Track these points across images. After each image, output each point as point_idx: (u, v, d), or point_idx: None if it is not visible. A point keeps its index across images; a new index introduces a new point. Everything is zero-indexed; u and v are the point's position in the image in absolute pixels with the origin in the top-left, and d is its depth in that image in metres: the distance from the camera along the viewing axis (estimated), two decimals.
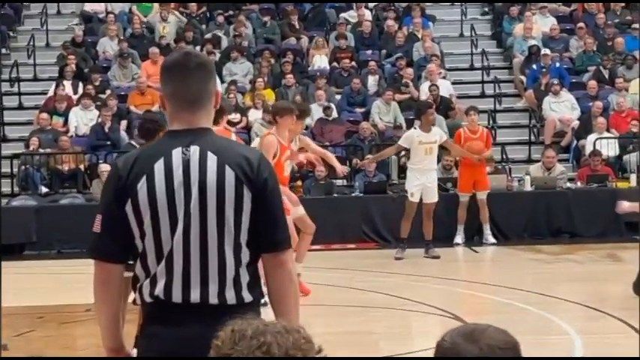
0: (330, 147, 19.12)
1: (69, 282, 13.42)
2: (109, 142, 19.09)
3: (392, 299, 11.03)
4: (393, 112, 19.60)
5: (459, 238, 15.94)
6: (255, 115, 19.60)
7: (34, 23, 23.78)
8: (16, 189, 18.52)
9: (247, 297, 3.57)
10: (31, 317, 10.61)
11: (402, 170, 18.46)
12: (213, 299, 3.52)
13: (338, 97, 20.65)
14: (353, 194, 17.42)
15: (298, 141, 12.03)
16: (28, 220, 16.78)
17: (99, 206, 3.66)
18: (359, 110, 20.36)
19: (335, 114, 19.81)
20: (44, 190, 18.30)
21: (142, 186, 3.53)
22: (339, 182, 18.06)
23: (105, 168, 17.59)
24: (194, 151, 3.56)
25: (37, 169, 18.42)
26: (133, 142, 18.94)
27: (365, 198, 16.94)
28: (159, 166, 3.54)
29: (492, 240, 15.81)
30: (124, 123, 19.75)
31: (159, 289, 3.52)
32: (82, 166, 18.61)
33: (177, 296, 3.52)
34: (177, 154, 3.56)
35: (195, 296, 3.52)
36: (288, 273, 3.63)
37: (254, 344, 2.33)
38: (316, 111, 19.75)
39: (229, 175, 3.54)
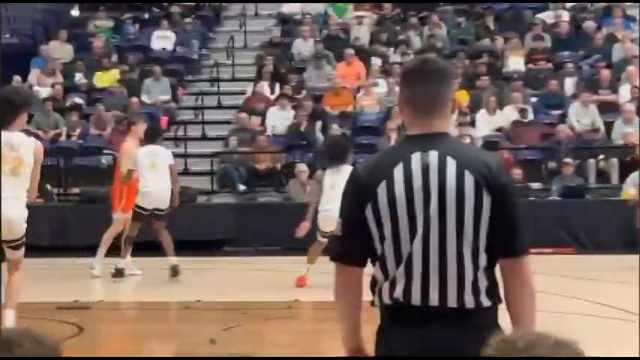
0: (526, 150, 18.95)
1: (268, 279, 13.73)
2: (304, 142, 19.39)
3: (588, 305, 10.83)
4: (591, 114, 19.19)
5: None
6: None
7: (233, 25, 24.41)
8: (215, 186, 19.06)
9: (485, 302, 3.56)
10: (235, 312, 10.87)
11: (600, 174, 18.11)
12: (452, 303, 3.53)
13: (534, 99, 20.37)
14: (549, 198, 17.17)
15: None
16: (226, 218, 17.22)
17: (340, 211, 3.72)
18: (555, 112, 20.03)
19: (531, 116, 19.55)
20: (242, 188, 18.75)
21: (381, 190, 3.57)
22: (534, 185, 17.83)
23: (301, 168, 17.91)
24: (433, 155, 3.58)
25: (235, 168, 18.89)
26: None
27: (562, 202, 16.68)
28: (398, 171, 3.57)
29: None
30: (319, 123, 20.01)
31: (398, 292, 3.56)
32: (278, 165, 18.98)
33: (416, 299, 3.54)
34: (416, 158, 3.59)
35: (434, 299, 3.54)
36: (525, 279, 3.62)
37: (524, 357, 2.32)
38: (511, 113, 19.55)
39: (469, 179, 3.54)
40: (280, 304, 11.20)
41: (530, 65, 21.45)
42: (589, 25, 22.22)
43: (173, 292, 12.68)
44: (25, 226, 8.60)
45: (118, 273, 13.54)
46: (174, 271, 13.35)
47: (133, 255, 13.76)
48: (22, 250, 8.78)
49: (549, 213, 16.33)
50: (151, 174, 13.34)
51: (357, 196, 3.61)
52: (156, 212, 13.39)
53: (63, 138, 20.10)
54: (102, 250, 13.89)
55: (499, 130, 19.54)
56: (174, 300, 12.10)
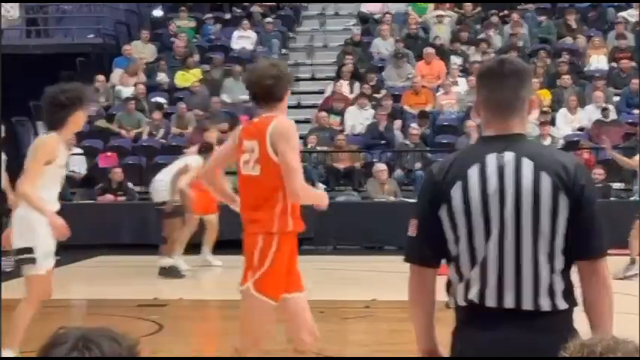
0: None
1: (346, 278, 13.75)
2: (383, 142, 19.38)
3: None
4: None
5: None
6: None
7: (313, 24, 24.48)
8: None
9: (561, 304, 3.54)
10: (312, 311, 10.85)
11: None
12: (528, 305, 3.52)
13: (616, 98, 20.10)
14: (631, 198, 16.91)
15: None
16: (305, 216, 17.21)
17: (414, 210, 3.72)
18: (638, 112, 19.74)
19: (613, 115, 19.30)
20: (321, 187, 18.76)
21: (456, 191, 3.56)
22: (616, 185, 17.59)
23: (380, 167, 17.91)
24: (509, 156, 3.57)
25: (314, 167, 18.95)
26: (407, 142, 19.17)
27: None
28: (473, 172, 3.57)
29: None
30: (398, 122, 19.99)
31: (473, 294, 3.55)
32: (357, 165, 18.99)
33: (491, 301, 3.54)
34: (491, 159, 3.57)
35: (509, 301, 3.53)
36: (603, 280, 3.60)
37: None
38: (594, 112, 19.32)
39: (545, 181, 3.52)
40: (358, 303, 11.21)
41: (612, 64, 21.16)
42: None
43: None
44: (31, 233, 7.06)
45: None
46: (164, 271, 13.65)
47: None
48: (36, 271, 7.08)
49: (631, 214, 16.04)
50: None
51: (432, 196, 3.61)
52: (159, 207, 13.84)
53: (145, 137, 20.35)
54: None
55: (580, 129, 19.32)
56: None
